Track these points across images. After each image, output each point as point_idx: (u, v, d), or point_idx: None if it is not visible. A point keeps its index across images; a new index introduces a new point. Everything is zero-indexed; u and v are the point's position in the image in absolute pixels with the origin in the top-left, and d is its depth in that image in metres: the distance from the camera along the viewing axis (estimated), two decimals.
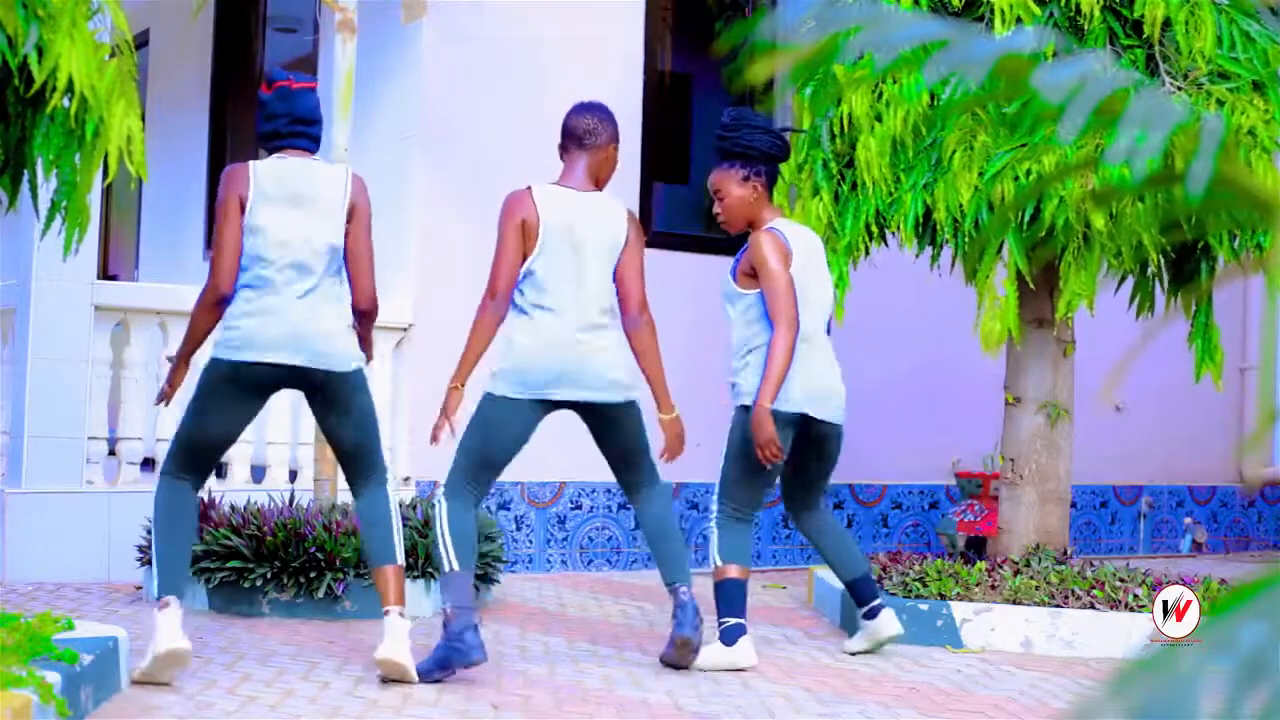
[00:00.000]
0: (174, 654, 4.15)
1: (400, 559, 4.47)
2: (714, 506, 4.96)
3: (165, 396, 4.57)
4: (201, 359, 4.50)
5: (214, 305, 4.37)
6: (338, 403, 4.44)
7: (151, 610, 4.39)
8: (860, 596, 5.13)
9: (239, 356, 4.30)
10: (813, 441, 5.01)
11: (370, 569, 4.54)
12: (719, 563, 4.87)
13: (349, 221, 4.44)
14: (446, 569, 4.49)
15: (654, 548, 4.79)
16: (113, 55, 3.79)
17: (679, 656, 4.70)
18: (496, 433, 4.59)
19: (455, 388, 4.57)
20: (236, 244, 4.33)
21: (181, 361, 4.49)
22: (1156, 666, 0.80)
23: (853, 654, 5.18)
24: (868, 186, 5.63)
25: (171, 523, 4.38)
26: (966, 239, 5.55)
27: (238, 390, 4.35)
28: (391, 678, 4.33)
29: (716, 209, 5.06)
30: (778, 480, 5.17)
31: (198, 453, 4.42)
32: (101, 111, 3.70)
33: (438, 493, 4.62)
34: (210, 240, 6.17)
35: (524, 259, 4.58)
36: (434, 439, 4.58)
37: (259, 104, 4.54)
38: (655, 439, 4.85)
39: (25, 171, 3.98)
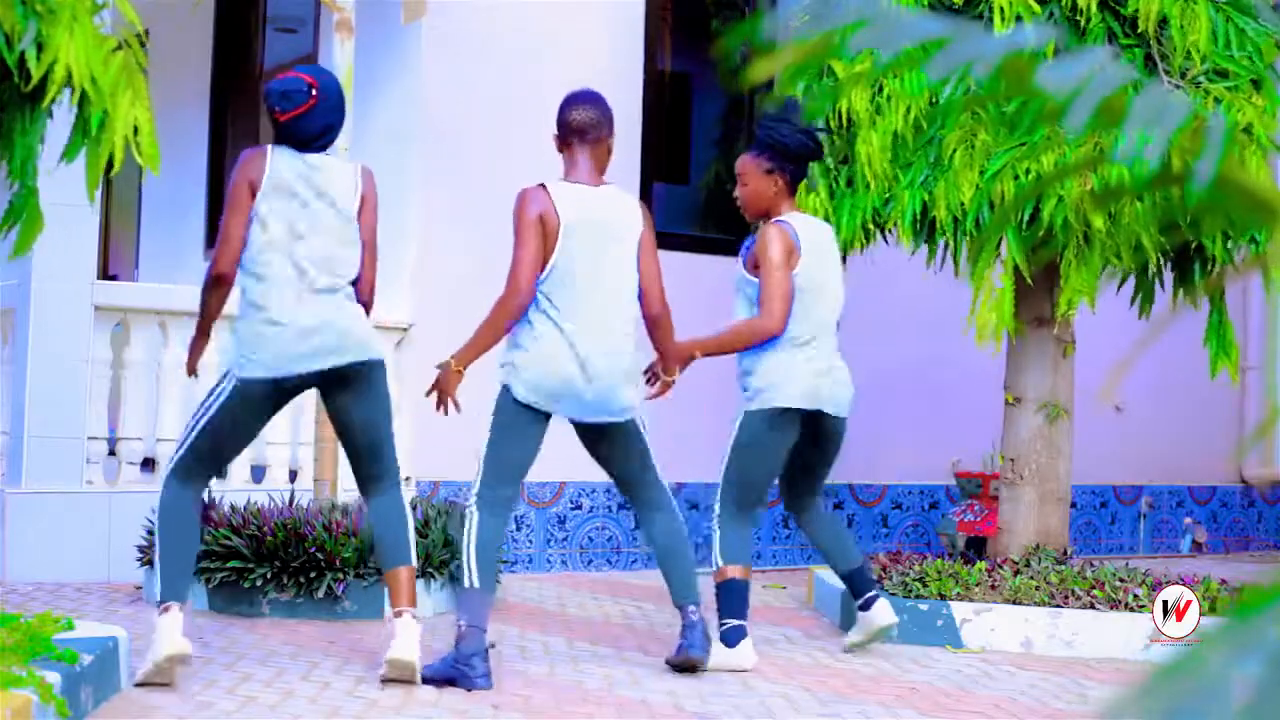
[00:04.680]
0: (175, 658, 4.12)
1: (413, 560, 4.45)
2: (716, 506, 4.96)
3: (191, 369, 4.60)
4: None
5: (215, 286, 4.37)
6: (360, 394, 4.38)
7: (152, 612, 4.38)
8: (856, 588, 5.15)
9: (268, 374, 4.25)
10: (819, 434, 5.01)
11: (383, 570, 4.49)
12: (721, 563, 4.87)
13: (360, 210, 4.43)
14: (466, 584, 4.44)
15: (663, 567, 4.75)
16: (119, 48, 3.77)
17: (687, 667, 4.69)
18: (519, 437, 4.56)
19: (458, 370, 4.51)
20: (241, 230, 4.31)
21: (201, 335, 4.49)
22: (1183, 669, 0.80)
23: (852, 647, 5.19)
24: (868, 183, 5.63)
25: (176, 528, 4.32)
26: (967, 237, 5.55)
27: (262, 402, 4.32)
28: (397, 678, 4.32)
29: (737, 192, 5.10)
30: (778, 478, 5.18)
31: (212, 460, 4.40)
32: (105, 105, 3.69)
33: (470, 502, 4.55)
34: (213, 231, 6.16)
35: (544, 257, 4.51)
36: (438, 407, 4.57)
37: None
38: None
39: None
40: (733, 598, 4.83)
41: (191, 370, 4.63)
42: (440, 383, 4.55)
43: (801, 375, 4.87)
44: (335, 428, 4.56)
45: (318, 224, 4.33)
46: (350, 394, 4.40)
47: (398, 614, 4.34)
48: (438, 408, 4.56)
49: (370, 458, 4.48)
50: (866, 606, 5.12)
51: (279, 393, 4.34)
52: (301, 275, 4.30)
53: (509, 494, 4.60)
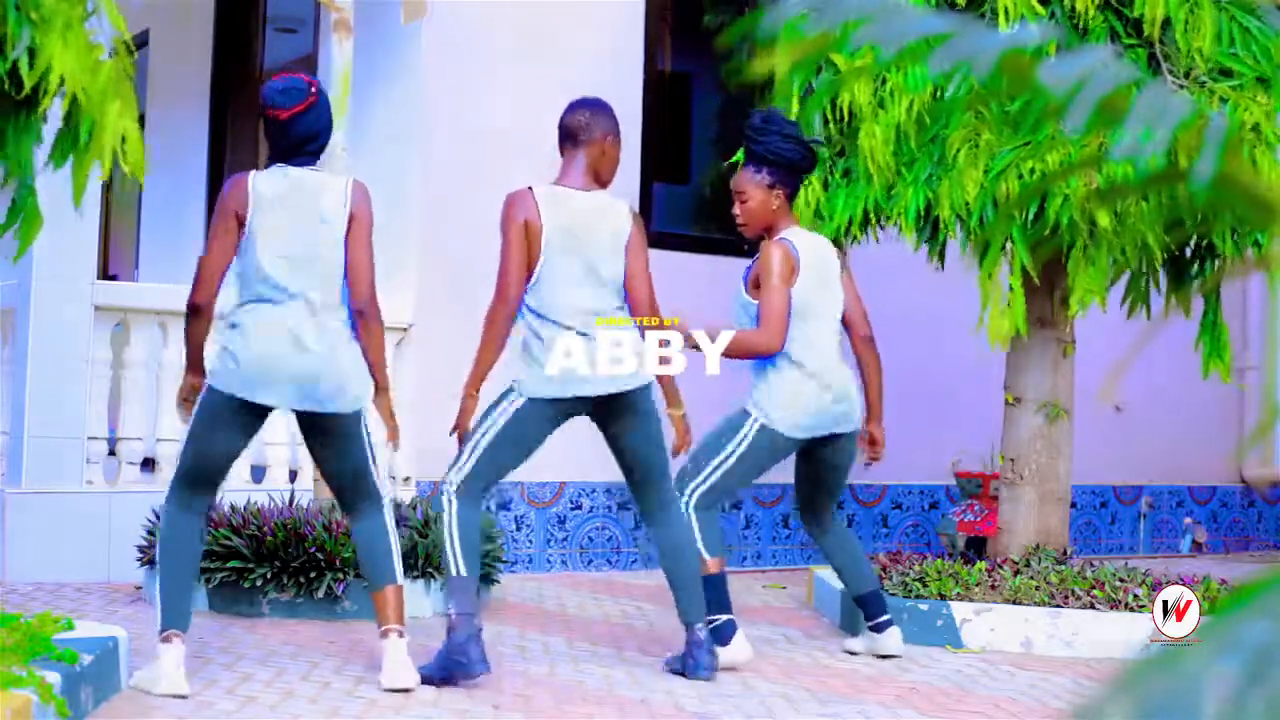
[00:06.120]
0: (173, 695, 4.09)
1: (399, 579, 4.40)
2: (692, 496, 4.88)
3: (183, 408, 4.39)
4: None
5: (192, 316, 4.31)
6: (333, 439, 4.36)
7: (152, 612, 4.37)
8: (869, 611, 5.13)
9: (240, 393, 4.20)
10: (830, 447, 5.01)
11: (370, 591, 4.45)
12: (705, 557, 4.82)
13: (349, 229, 4.34)
14: (453, 572, 4.42)
15: (671, 579, 4.68)
16: (109, 56, 3.77)
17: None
18: (524, 438, 4.53)
19: (470, 395, 4.49)
20: (221, 258, 4.26)
21: (191, 370, 4.36)
22: (1162, 666, 0.80)
23: (852, 653, 5.19)
24: (871, 175, 5.61)
25: (175, 557, 4.27)
26: (972, 235, 5.54)
27: (236, 417, 4.25)
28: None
29: (736, 211, 5.02)
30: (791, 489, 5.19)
31: (202, 477, 4.32)
32: (95, 114, 3.68)
33: (448, 492, 4.52)
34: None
35: (530, 262, 4.47)
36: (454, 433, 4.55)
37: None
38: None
39: None
40: (718, 591, 4.81)
41: (185, 412, 4.38)
42: (461, 415, 4.52)
43: (809, 403, 4.87)
44: (313, 459, 4.53)
45: (297, 241, 4.26)
46: (324, 437, 4.38)
47: (384, 634, 4.31)
48: (457, 436, 4.56)
49: (346, 486, 4.45)
50: (879, 629, 5.11)
51: (242, 409, 4.25)
52: (277, 295, 4.24)
53: (489, 486, 4.60)
